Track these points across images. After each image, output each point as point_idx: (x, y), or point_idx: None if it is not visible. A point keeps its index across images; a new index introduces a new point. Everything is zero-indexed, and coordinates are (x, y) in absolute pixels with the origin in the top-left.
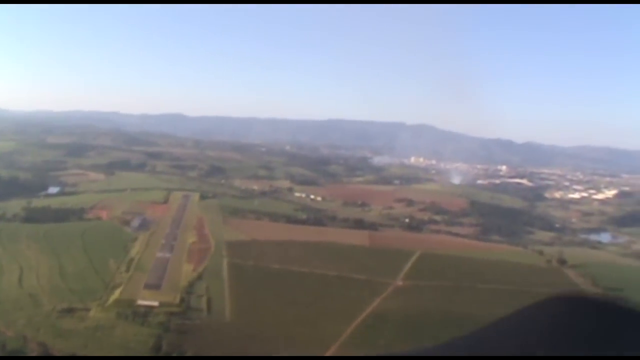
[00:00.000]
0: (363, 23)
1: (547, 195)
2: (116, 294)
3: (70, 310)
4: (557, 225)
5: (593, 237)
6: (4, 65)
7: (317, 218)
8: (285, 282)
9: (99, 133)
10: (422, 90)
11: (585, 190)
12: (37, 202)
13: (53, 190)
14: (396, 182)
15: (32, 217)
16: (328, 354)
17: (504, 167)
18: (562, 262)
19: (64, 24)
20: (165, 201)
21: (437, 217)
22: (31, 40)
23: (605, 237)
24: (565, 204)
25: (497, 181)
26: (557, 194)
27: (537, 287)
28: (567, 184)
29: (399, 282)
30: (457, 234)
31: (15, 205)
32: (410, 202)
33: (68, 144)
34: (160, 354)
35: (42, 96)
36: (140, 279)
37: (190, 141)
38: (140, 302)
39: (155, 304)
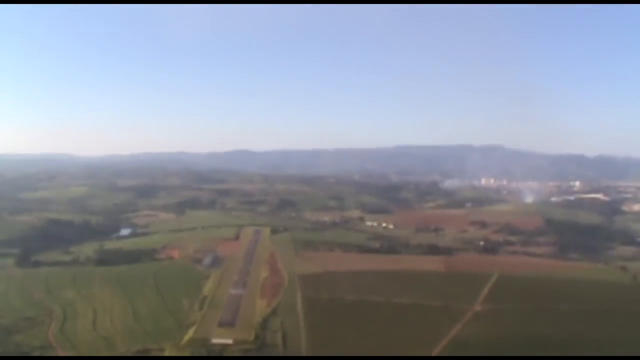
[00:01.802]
0: (425, 47)
1: (625, 208)
2: (190, 333)
3: (144, 352)
4: (638, 239)
5: None
6: (75, 114)
7: (390, 246)
8: (361, 313)
9: (168, 173)
10: (489, 110)
11: None
12: (110, 245)
13: (125, 232)
14: (468, 204)
15: (104, 259)
16: None
17: (577, 183)
18: None
19: (130, 69)
20: (237, 237)
21: (513, 238)
22: (99, 88)
23: None
24: None
25: (572, 197)
26: (636, 207)
27: (624, 305)
28: None
29: (478, 307)
30: (534, 254)
31: (88, 249)
32: (483, 224)
33: (138, 186)
34: None
35: (111, 141)
36: (214, 317)
37: (258, 176)
38: (215, 340)
39: (230, 341)
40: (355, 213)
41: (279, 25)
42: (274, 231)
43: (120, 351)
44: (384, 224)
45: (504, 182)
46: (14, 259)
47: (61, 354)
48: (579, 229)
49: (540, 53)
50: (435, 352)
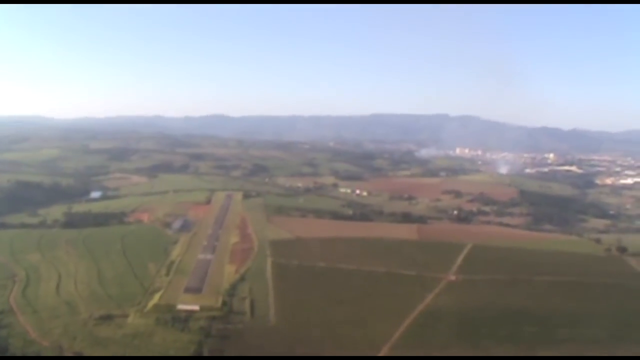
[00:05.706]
0: (403, 16)
1: (598, 181)
2: (155, 298)
3: (107, 317)
4: (611, 212)
5: None
6: (50, 74)
7: (364, 213)
8: (332, 281)
9: (142, 137)
10: (466, 80)
11: (637, 175)
12: (78, 207)
13: (95, 195)
14: (442, 174)
15: (72, 222)
16: (380, 355)
17: (551, 155)
18: (622, 250)
19: (108, 31)
20: (208, 202)
21: (487, 208)
22: (75, 50)
23: None
24: (617, 190)
25: (546, 169)
26: (609, 180)
27: (598, 278)
28: (618, 169)
29: (451, 277)
30: (508, 225)
31: (56, 211)
32: (458, 194)
33: (111, 149)
34: None
35: (87, 103)
36: (180, 283)
37: (233, 141)
38: (181, 306)
39: (196, 308)
40: (329, 180)
41: None
42: (246, 196)
43: (83, 316)
44: (357, 191)
45: (479, 152)
46: None
47: (21, 318)
48: (553, 200)
49: (518, 26)
50: (407, 322)
